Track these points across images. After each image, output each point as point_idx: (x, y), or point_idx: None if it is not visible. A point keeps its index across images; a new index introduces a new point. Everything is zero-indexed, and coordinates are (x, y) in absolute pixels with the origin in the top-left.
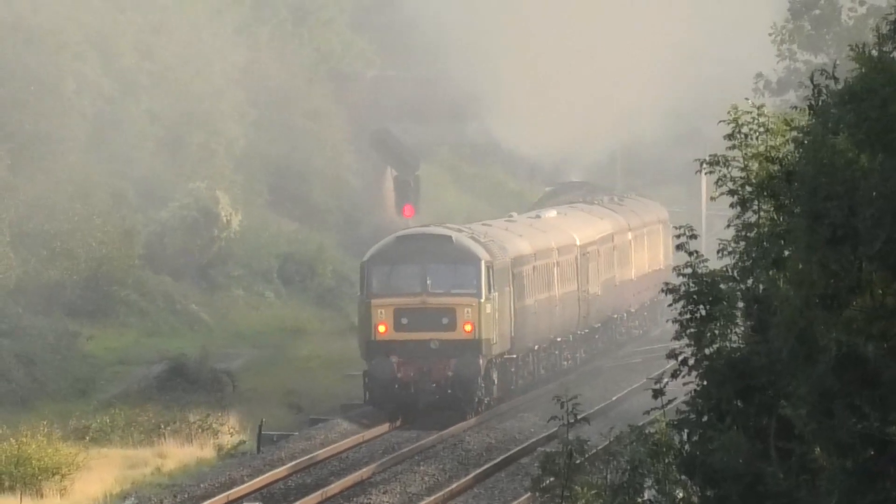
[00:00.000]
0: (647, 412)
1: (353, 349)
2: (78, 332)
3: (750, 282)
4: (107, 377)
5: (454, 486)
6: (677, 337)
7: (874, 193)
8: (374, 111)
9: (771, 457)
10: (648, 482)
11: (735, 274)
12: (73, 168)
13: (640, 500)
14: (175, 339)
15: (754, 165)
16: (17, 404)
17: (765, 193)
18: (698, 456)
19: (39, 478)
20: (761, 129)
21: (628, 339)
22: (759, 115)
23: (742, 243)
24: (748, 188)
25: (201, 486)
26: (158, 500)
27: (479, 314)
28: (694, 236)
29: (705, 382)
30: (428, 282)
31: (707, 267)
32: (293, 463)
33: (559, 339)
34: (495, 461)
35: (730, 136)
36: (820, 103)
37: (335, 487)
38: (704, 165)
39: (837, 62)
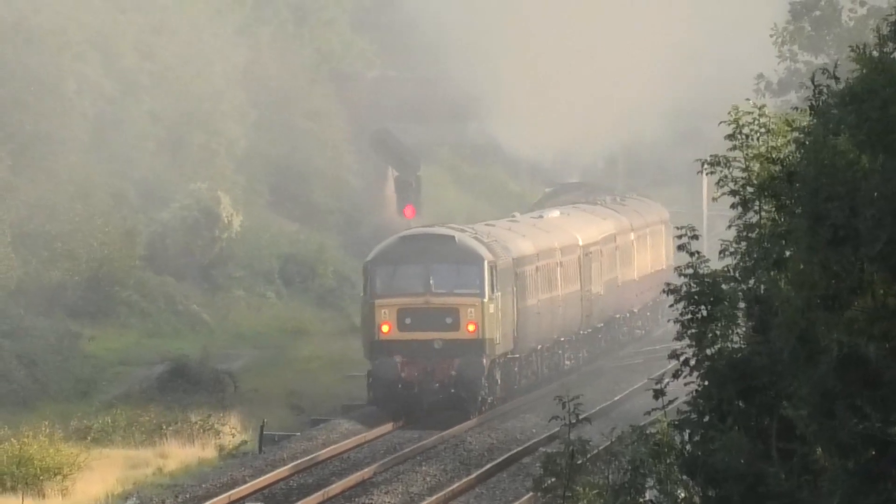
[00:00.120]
0: (648, 412)
1: (354, 350)
2: (79, 333)
3: (751, 282)
4: (108, 378)
5: (456, 486)
6: (679, 337)
7: (875, 194)
8: (374, 111)
9: (772, 457)
10: (650, 482)
11: (736, 274)
12: (74, 168)
13: (641, 500)
14: (176, 340)
15: (755, 166)
16: (18, 405)
17: (766, 194)
18: (700, 456)
19: (41, 478)
20: (762, 130)
21: (631, 339)
22: (760, 115)
23: (743, 244)
24: (749, 189)
25: (203, 486)
26: (160, 501)
27: (482, 314)
28: (695, 237)
29: (706, 383)
30: (431, 282)
31: (708, 267)
32: (295, 463)
33: (562, 339)
34: (497, 461)
35: (731, 137)
36: (821, 104)
37: (337, 487)
38: (705, 166)
39: (838, 63)
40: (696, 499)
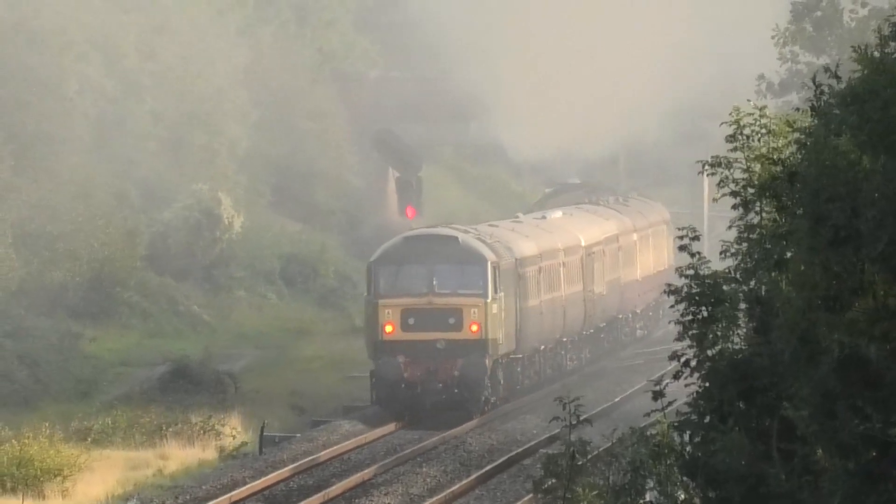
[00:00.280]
0: (648, 414)
1: (355, 350)
2: (80, 334)
3: (752, 283)
4: (109, 378)
5: (456, 487)
6: (680, 338)
7: (876, 195)
8: (376, 112)
9: (773, 458)
10: (650, 484)
11: (737, 275)
12: (76, 169)
13: (641, 501)
14: (177, 341)
15: (756, 167)
16: (19, 405)
17: (767, 194)
18: (700, 457)
19: (41, 479)
20: (763, 131)
21: (633, 339)
22: (761, 116)
23: (744, 245)
24: (750, 190)
25: (203, 487)
26: (160, 502)
27: (485, 314)
28: (697, 238)
29: (707, 384)
30: (434, 282)
31: (709, 268)
32: (295, 464)
33: (565, 340)
34: (497, 462)
35: (732, 138)
36: (822, 104)
37: (337, 489)
38: (706, 167)
39: (839, 63)
40: (697, 500)
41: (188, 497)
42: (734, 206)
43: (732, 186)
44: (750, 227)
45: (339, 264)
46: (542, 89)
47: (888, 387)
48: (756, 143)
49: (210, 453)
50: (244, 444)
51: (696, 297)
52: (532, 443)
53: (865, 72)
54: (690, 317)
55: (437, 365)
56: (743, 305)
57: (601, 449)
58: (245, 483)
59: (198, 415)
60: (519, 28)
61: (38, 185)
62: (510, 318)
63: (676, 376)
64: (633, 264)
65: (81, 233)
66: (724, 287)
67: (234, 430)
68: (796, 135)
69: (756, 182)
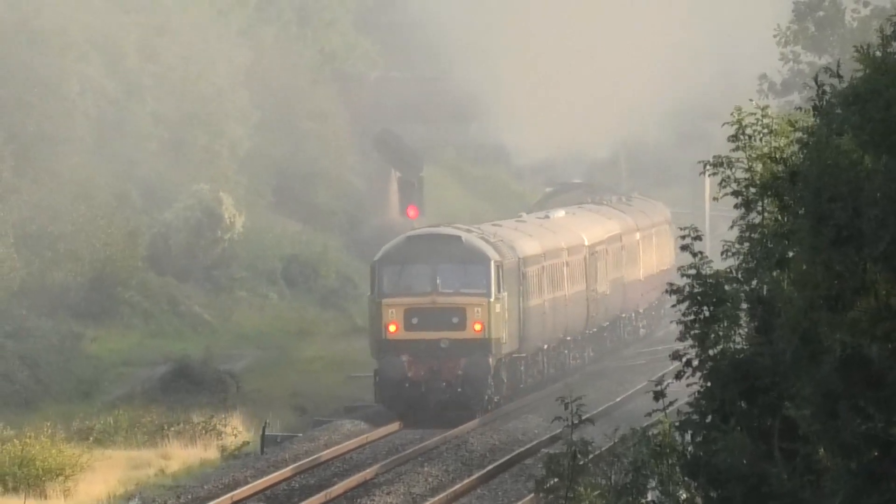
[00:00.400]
0: (650, 414)
1: (357, 350)
2: (82, 334)
3: (754, 283)
4: (111, 378)
5: (458, 486)
6: (681, 338)
7: (878, 194)
8: (377, 112)
9: (775, 458)
10: (652, 483)
11: (739, 275)
12: (77, 169)
13: (643, 501)
14: (179, 341)
15: (758, 167)
16: (21, 405)
17: (769, 193)
18: (702, 457)
19: (43, 479)
20: (765, 131)
21: (636, 338)
22: (763, 116)
23: (746, 244)
24: (752, 189)
25: (205, 487)
26: (162, 502)
27: (488, 314)
28: (699, 237)
29: (709, 383)
30: (438, 281)
31: (711, 268)
32: (297, 464)
33: (568, 339)
34: (499, 462)
35: (734, 138)
36: (824, 104)
37: (339, 488)
38: (708, 167)
39: (841, 63)
40: (698, 499)
41: (190, 497)
42: (736, 206)
43: (734, 186)
44: (752, 227)
45: (341, 265)
46: (542, 89)
47: (890, 386)
48: (758, 143)
49: (212, 453)
50: (246, 443)
51: (698, 297)
52: (534, 442)
53: (867, 71)
54: (692, 316)
55: (441, 364)
56: (745, 305)
57: (603, 448)
58: (247, 483)
59: (199, 415)
60: (519, 28)
61: (39, 186)
62: (513, 317)
63: (678, 376)
64: (636, 264)
65: (83, 233)
66: (726, 287)
67: (236, 430)
68: (798, 134)
69: (758, 182)
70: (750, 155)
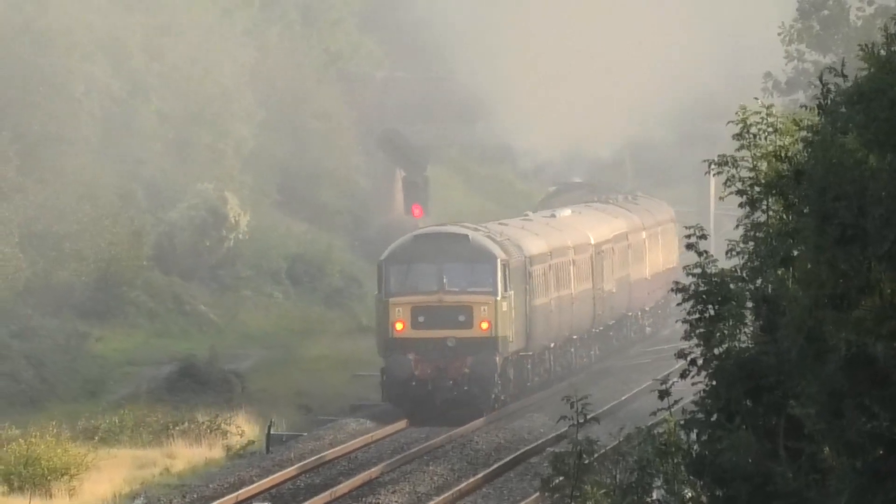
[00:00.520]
0: (654, 413)
1: (362, 349)
2: (87, 333)
3: (759, 282)
4: (116, 378)
5: (463, 485)
6: (686, 337)
7: (883, 193)
8: (382, 112)
9: (780, 456)
10: (657, 482)
11: (744, 274)
12: (82, 169)
13: (648, 499)
14: (184, 340)
15: (763, 165)
16: (26, 405)
17: (773, 192)
18: (707, 456)
19: (48, 478)
20: (770, 130)
21: (642, 337)
22: (767, 115)
23: (751, 243)
24: (757, 188)
25: (210, 486)
26: (168, 501)
27: (495, 312)
28: (704, 236)
29: (714, 382)
30: (445, 280)
31: (716, 267)
32: (302, 463)
33: (574, 337)
34: (504, 461)
35: (738, 136)
36: (829, 103)
37: (344, 487)
38: (713, 166)
39: (845, 61)
40: (704, 498)
41: (195, 496)
42: (741, 205)
43: (739, 185)
44: (757, 226)
45: (346, 264)
46: (547, 89)
47: (895, 385)
48: (763, 142)
49: (217, 452)
50: (251, 442)
51: (703, 296)
52: (539, 441)
53: (872, 70)
54: (697, 315)
55: (448, 362)
56: (750, 304)
57: (608, 447)
58: (252, 482)
59: (204, 414)
60: (524, 28)
61: (44, 185)
62: (520, 315)
63: (683, 375)
64: (642, 262)
65: (88, 233)
66: (731, 285)
67: (240, 430)
68: (803, 133)
69: (762, 180)
70: (755, 154)
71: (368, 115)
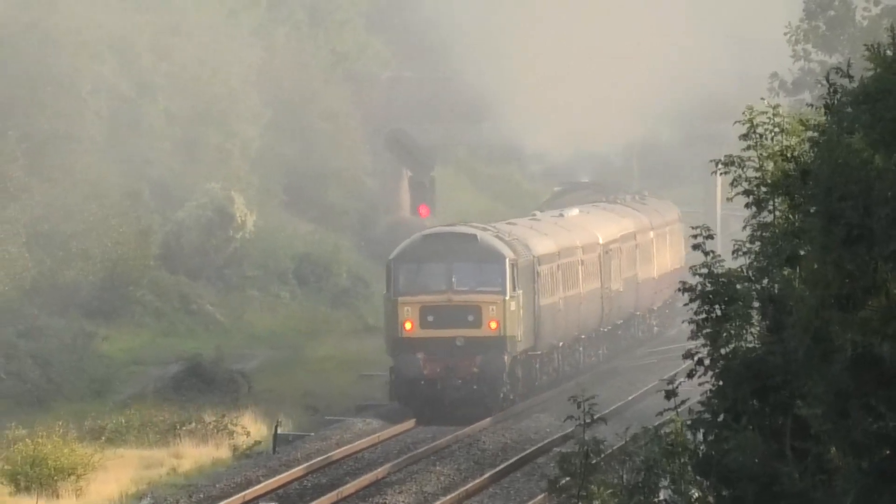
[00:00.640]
0: (660, 413)
1: (368, 350)
2: (94, 333)
3: (765, 282)
4: (122, 377)
5: (470, 485)
6: (693, 337)
7: (889, 194)
8: (389, 112)
9: (786, 457)
10: (664, 482)
11: (750, 274)
12: (89, 168)
13: (655, 499)
14: (190, 340)
15: (769, 165)
16: (33, 405)
17: (779, 192)
18: (714, 456)
19: (55, 478)
20: (776, 130)
21: (650, 336)
22: (774, 115)
23: (757, 243)
24: (763, 189)
25: (217, 486)
26: (174, 501)
27: (503, 311)
28: (710, 237)
29: (721, 382)
30: (453, 280)
31: (723, 267)
32: (309, 463)
33: (582, 336)
34: (511, 461)
35: (745, 137)
36: (835, 103)
37: (351, 487)
38: (719, 166)
39: (851, 61)
40: (710, 498)
41: (202, 496)
42: (747, 205)
43: (745, 185)
44: (763, 226)
45: (352, 264)
46: (553, 89)
47: None
48: (769, 142)
49: (224, 452)
50: (258, 442)
51: (710, 296)
52: (546, 441)
53: (878, 70)
54: (704, 315)
55: (456, 362)
56: (756, 304)
57: (615, 447)
58: (259, 482)
59: (211, 414)
60: (531, 28)
61: (51, 185)
62: (528, 315)
63: (690, 375)
64: (649, 262)
65: (94, 232)
66: (738, 286)
67: (246, 430)
68: (809, 133)
69: (769, 181)
70: (761, 154)
71: (375, 115)
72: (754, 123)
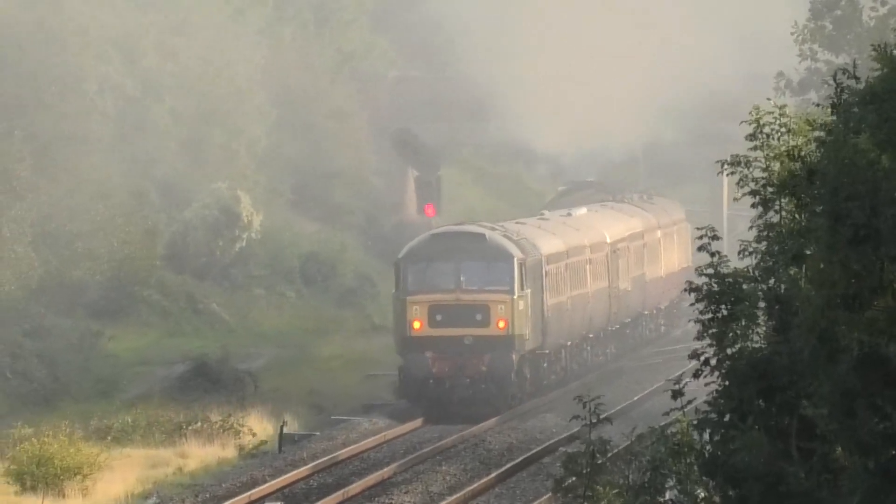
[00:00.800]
0: (667, 413)
1: (374, 349)
2: (100, 332)
3: (772, 282)
4: (129, 377)
5: (476, 485)
6: (699, 337)
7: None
8: (395, 111)
9: (792, 456)
10: (670, 482)
11: (757, 274)
12: (96, 168)
13: (661, 500)
14: (197, 339)
15: (776, 165)
16: (39, 404)
17: (786, 192)
18: (720, 456)
19: (61, 478)
20: (783, 130)
21: (658, 335)
22: (780, 115)
23: (764, 243)
24: (770, 188)
25: (223, 485)
26: (180, 500)
27: (512, 310)
28: (716, 237)
29: (727, 382)
30: (462, 279)
31: (729, 267)
32: (315, 463)
33: (590, 336)
34: (517, 461)
35: (751, 137)
36: (842, 102)
37: (357, 487)
38: (726, 166)
39: (858, 62)
40: (716, 498)
41: (208, 495)
42: (753, 205)
43: (752, 185)
44: (769, 226)
45: (358, 263)
46: (559, 88)
47: None
48: (775, 142)
49: (229, 452)
50: (263, 442)
51: (716, 296)
52: (551, 441)
53: (884, 70)
54: (710, 315)
55: (465, 360)
56: (762, 304)
57: (621, 448)
58: (265, 481)
59: (217, 413)
60: (537, 27)
61: (57, 185)
62: (536, 314)
63: (696, 375)
64: (657, 261)
65: (101, 232)
66: (744, 286)
67: (251, 430)
68: (816, 133)
69: (775, 181)
70: (768, 154)
71: (381, 114)
72: (761, 123)
